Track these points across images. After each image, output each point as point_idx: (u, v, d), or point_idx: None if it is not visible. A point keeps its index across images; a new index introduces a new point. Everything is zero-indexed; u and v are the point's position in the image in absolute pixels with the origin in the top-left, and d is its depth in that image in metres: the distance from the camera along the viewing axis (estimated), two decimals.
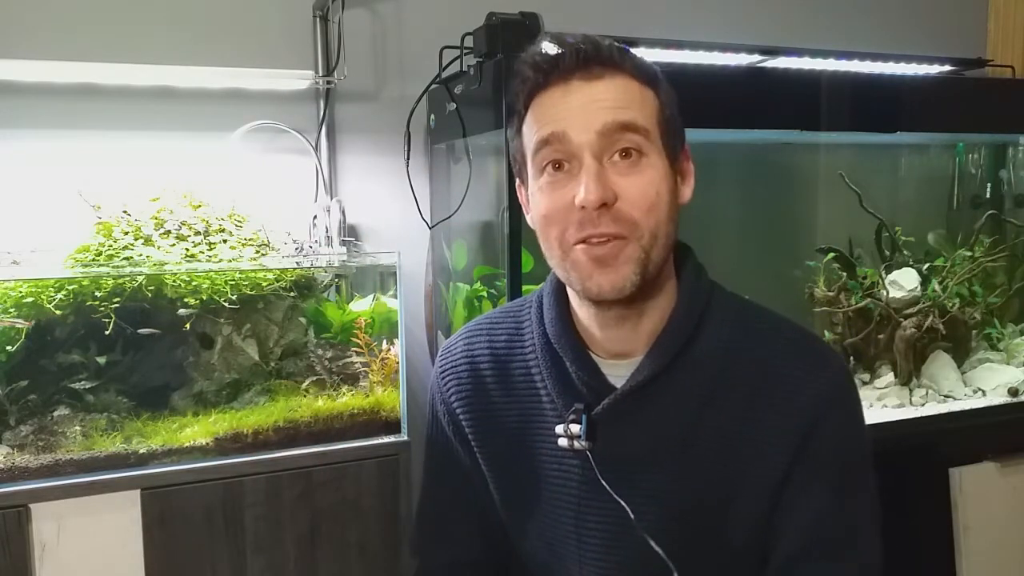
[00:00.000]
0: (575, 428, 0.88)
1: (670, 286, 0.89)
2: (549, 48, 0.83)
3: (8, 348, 1.33)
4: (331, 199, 1.73)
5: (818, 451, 0.85)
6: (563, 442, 0.89)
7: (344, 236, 1.69)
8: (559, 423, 0.90)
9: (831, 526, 0.86)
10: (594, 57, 0.82)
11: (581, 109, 0.81)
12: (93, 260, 1.37)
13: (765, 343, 0.88)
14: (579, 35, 0.84)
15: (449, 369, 1.01)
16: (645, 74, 0.84)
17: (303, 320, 1.54)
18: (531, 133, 0.84)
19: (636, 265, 0.82)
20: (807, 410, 0.85)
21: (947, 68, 1.98)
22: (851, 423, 0.88)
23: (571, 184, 0.82)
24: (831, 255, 1.88)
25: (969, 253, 1.91)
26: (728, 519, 0.87)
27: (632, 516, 0.88)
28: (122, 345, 1.40)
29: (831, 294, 1.87)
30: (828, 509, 0.86)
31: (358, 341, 1.52)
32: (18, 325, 1.31)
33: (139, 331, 1.38)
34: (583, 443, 0.88)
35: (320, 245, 1.67)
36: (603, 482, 0.88)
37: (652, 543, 0.87)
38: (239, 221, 1.54)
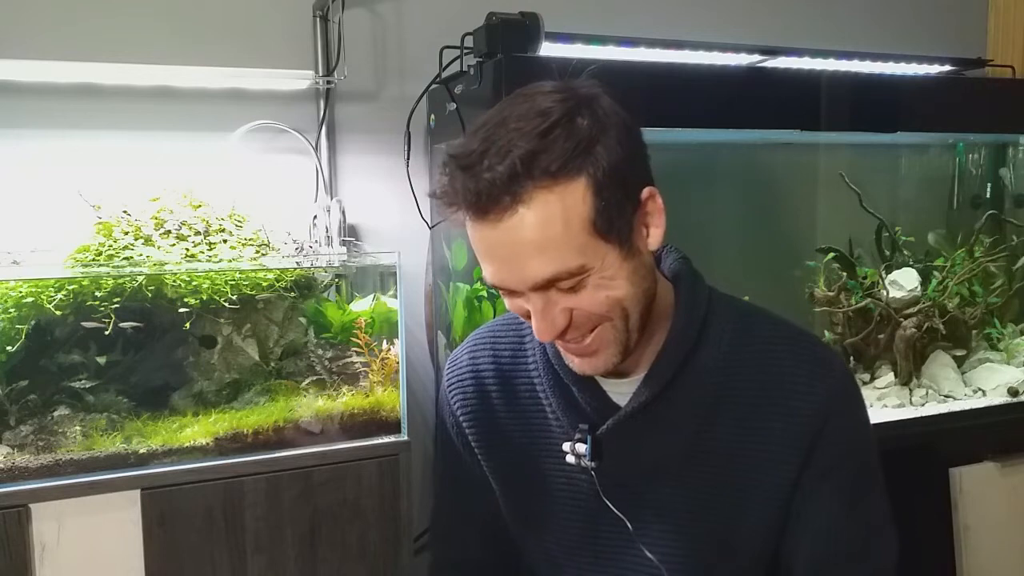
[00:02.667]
0: (580, 448, 0.88)
1: (666, 304, 0.88)
2: (446, 185, 0.76)
3: (8, 348, 1.33)
4: (331, 199, 1.73)
5: (826, 457, 0.85)
6: (571, 459, 0.89)
7: (344, 236, 1.69)
8: (566, 440, 0.90)
9: (846, 530, 0.86)
10: (491, 198, 0.73)
11: (507, 261, 0.76)
12: (93, 260, 1.37)
13: (766, 351, 0.88)
14: (474, 161, 0.73)
15: (455, 383, 1.01)
16: (565, 166, 0.73)
17: (303, 320, 1.54)
18: (473, 245, 0.79)
19: (616, 346, 0.81)
20: (812, 417, 0.85)
21: (947, 68, 1.98)
22: (857, 426, 0.88)
23: (522, 298, 0.79)
24: (831, 255, 1.88)
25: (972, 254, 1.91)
26: (739, 530, 0.87)
27: (633, 531, 0.88)
28: (122, 345, 1.40)
29: (831, 294, 1.87)
30: (841, 514, 0.86)
31: (358, 341, 1.51)
32: None
33: (121, 324, 1.37)
34: (588, 462, 0.88)
35: (320, 245, 1.67)
36: (605, 499, 0.89)
37: (652, 557, 0.87)
38: (239, 221, 1.53)
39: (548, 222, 0.73)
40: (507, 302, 0.82)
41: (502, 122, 0.75)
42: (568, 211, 0.73)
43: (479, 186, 0.73)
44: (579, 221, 0.74)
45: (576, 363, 0.85)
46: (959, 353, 1.95)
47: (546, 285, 0.76)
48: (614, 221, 0.76)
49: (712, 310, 0.89)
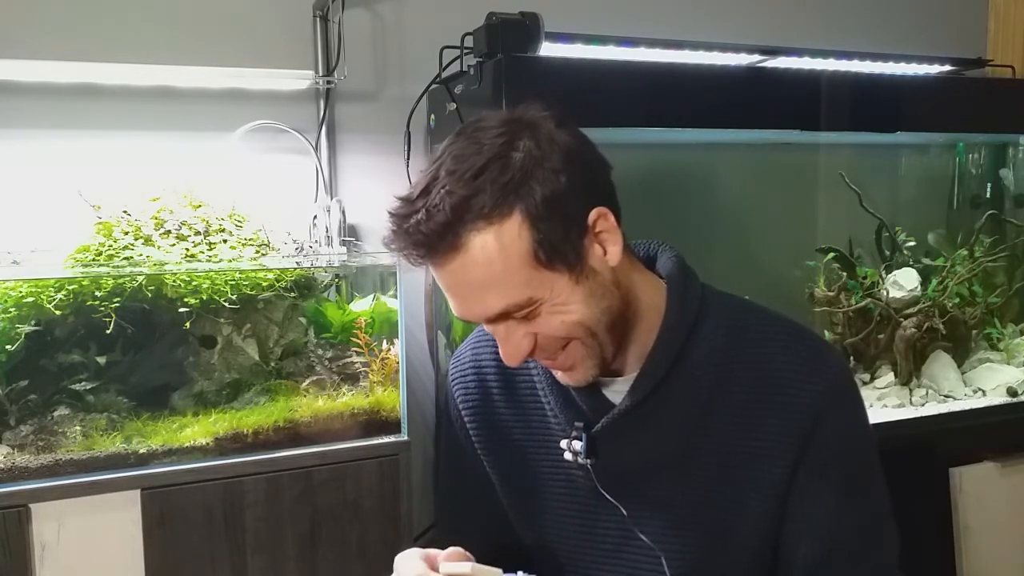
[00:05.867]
0: (577, 445, 0.89)
1: (658, 303, 0.88)
2: (391, 235, 0.79)
3: (8, 348, 1.33)
4: (331, 199, 1.73)
5: (821, 452, 0.85)
6: (568, 456, 0.90)
7: (344, 236, 1.69)
8: (564, 437, 0.91)
9: (845, 528, 0.86)
10: (429, 248, 0.76)
11: (460, 298, 0.80)
12: (93, 260, 1.37)
13: (761, 346, 0.88)
14: (411, 212, 0.77)
15: (457, 378, 1.03)
16: (498, 205, 0.75)
17: (303, 320, 1.54)
18: None
19: (592, 359, 0.84)
20: (806, 411, 0.85)
21: (947, 68, 1.98)
22: (852, 421, 0.88)
23: (489, 325, 0.83)
24: (831, 255, 1.88)
25: (968, 253, 1.91)
26: (736, 525, 0.87)
27: (629, 519, 0.89)
28: (122, 345, 1.40)
29: (831, 294, 1.87)
30: (839, 511, 0.86)
31: (358, 341, 1.51)
32: None
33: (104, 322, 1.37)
34: (584, 460, 0.88)
35: (320, 245, 1.67)
36: (604, 492, 0.89)
37: (651, 544, 0.88)
38: (239, 221, 1.53)
39: (488, 262, 0.75)
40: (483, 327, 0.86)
41: (440, 164, 0.78)
42: (506, 249, 0.75)
43: (416, 239, 0.77)
44: (519, 256, 0.76)
45: (559, 376, 0.88)
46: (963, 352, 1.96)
47: (500, 318, 0.80)
48: (558, 249, 0.77)
49: (705, 307, 0.89)
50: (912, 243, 1.95)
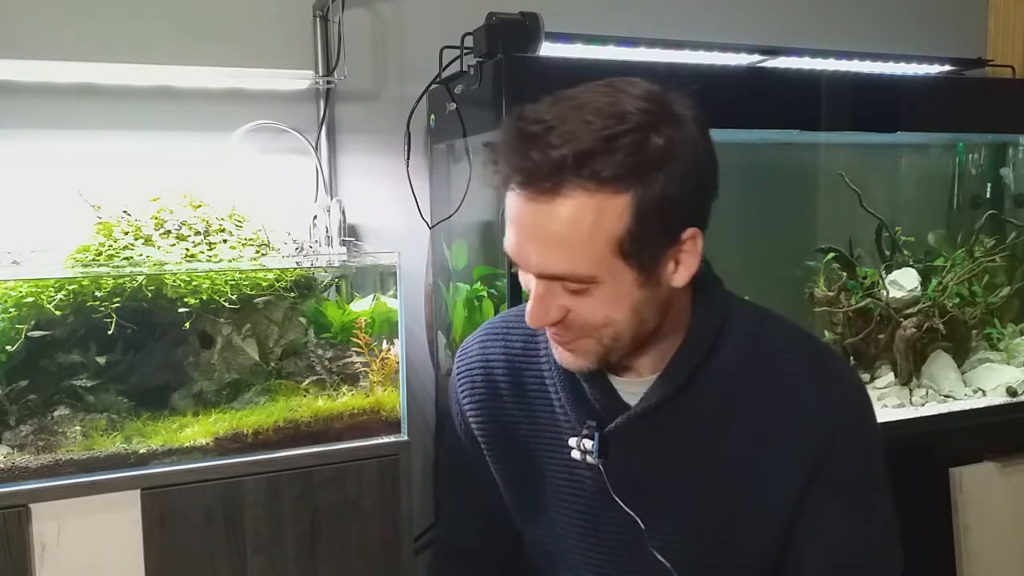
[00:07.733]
0: (588, 444, 0.88)
1: (684, 307, 0.87)
2: (500, 144, 0.76)
3: (8, 348, 1.33)
4: (331, 199, 1.73)
5: (834, 471, 0.85)
6: (576, 455, 0.89)
7: (344, 236, 1.69)
8: (572, 435, 0.90)
9: (852, 546, 0.86)
10: (533, 176, 0.72)
11: (526, 238, 0.76)
12: (93, 260, 1.37)
13: (779, 361, 0.87)
14: (535, 134, 0.72)
15: (464, 373, 1.01)
16: (616, 178, 0.72)
17: (303, 320, 1.54)
18: (506, 206, 0.80)
19: (593, 357, 0.82)
20: (821, 429, 0.85)
21: (947, 68, 1.98)
22: (865, 440, 0.88)
23: (529, 276, 0.80)
24: (831, 255, 1.88)
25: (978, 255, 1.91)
26: (743, 536, 0.87)
27: (644, 528, 0.88)
28: (122, 345, 1.40)
29: (831, 294, 1.87)
30: (849, 530, 0.86)
31: (358, 341, 1.51)
32: None
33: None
34: (595, 460, 0.88)
35: (320, 245, 1.67)
36: (615, 496, 0.89)
37: (660, 556, 0.88)
38: (239, 221, 1.53)
39: (577, 223, 0.73)
40: (520, 272, 0.82)
41: (579, 107, 0.74)
42: (600, 221, 0.73)
43: (525, 163, 0.73)
44: (606, 235, 0.73)
45: (557, 352, 0.86)
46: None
47: (552, 278, 0.77)
48: (643, 249, 0.75)
49: (730, 317, 0.88)
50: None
